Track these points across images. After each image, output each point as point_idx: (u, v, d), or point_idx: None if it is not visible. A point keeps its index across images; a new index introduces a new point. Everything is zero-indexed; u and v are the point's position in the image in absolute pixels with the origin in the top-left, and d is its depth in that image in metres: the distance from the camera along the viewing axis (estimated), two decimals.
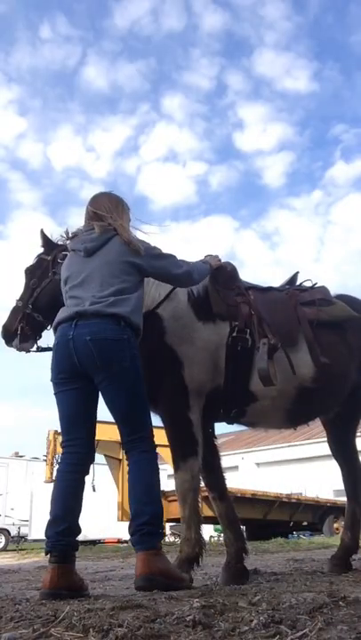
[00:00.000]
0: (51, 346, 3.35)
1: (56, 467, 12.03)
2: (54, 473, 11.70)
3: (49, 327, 3.38)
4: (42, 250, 3.48)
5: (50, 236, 3.49)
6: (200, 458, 3.06)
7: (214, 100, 58.81)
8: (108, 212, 2.98)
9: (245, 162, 58.87)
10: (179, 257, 3.11)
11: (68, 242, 3.15)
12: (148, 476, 2.73)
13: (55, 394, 2.82)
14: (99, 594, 2.89)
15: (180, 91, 57.87)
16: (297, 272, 3.76)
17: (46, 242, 3.48)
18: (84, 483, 2.82)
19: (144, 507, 2.64)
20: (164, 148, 58.62)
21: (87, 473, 2.83)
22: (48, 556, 2.68)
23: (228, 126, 58.61)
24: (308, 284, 3.69)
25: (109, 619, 1.74)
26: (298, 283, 3.73)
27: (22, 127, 56.20)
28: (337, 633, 1.56)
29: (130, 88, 56.95)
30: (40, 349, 3.43)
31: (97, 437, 11.04)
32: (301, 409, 3.42)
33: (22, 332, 3.33)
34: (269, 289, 3.53)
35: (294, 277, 3.75)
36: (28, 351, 3.41)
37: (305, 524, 14.40)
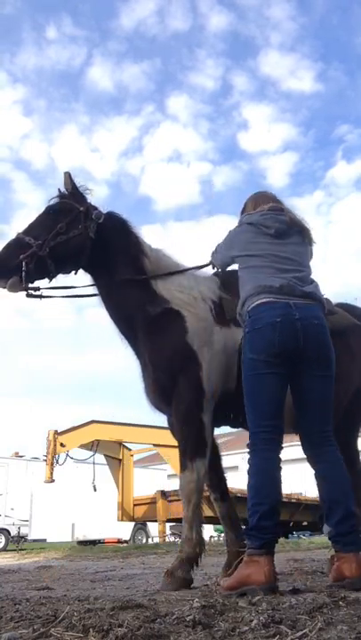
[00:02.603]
0: (38, 293, 3.22)
1: (56, 467, 11.86)
2: (54, 473, 11.50)
3: (51, 279, 3.23)
4: (66, 194, 3.28)
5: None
6: (208, 460, 3.08)
7: (219, 100, 58.93)
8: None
9: (250, 162, 58.94)
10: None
11: (246, 215, 2.98)
12: (347, 477, 2.69)
13: (262, 374, 2.64)
14: (99, 594, 2.89)
15: (185, 91, 58.00)
16: None
17: (76, 189, 3.31)
18: None
19: (354, 508, 2.60)
20: (168, 148, 58.67)
21: None
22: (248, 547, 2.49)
23: (232, 127, 58.70)
24: None
25: (109, 619, 1.74)
26: None
27: (27, 127, 56.22)
28: (337, 633, 1.56)
29: (135, 88, 57.06)
30: (30, 295, 3.21)
31: (97, 437, 11.07)
32: None
33: (26, 271, 3.04)
34: None
35: None
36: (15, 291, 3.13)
37: (305, 524, 14.36)
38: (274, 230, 2.85)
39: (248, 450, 2.68)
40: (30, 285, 3.18)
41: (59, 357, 54.23)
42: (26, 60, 55.27)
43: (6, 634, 1.66)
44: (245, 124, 59.18)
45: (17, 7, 56.20)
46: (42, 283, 3.27)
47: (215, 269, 3.38)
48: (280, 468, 2.64)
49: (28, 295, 3.21)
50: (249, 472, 2.64)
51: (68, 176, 3.29)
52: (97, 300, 3.39)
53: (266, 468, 2.61)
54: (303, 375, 2.67)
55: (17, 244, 3.11)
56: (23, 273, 3.05)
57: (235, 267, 3.29)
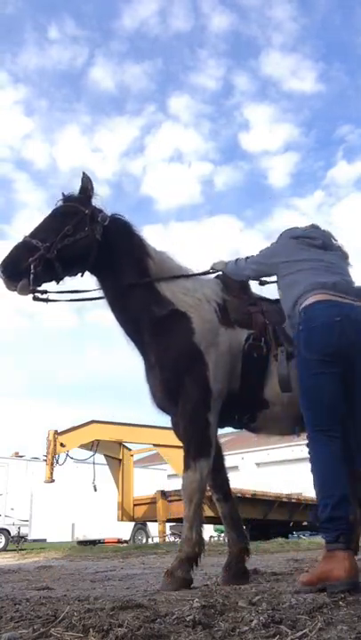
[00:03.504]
0: (44, 297, 3.23)
1: (56, 467, 11.85)
2: (54, 473, 11.51)
3: (58, 282, 3.25)
4: (72, 196, 3.31)
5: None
6: (211, 460, 3.09)
7: (221, 100, 58.98)
8: None
9: (251, 162, 58.97)
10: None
11: (287, 231, 3.16)
12: None
13: (317, 373, 2.63)
14: (99, 594, 2.89)
15: (187, 91, 58.09)
16: None
17: (87, 193, 3.32)
18: None
19: None
20: (169, 148, 58.68)
21: None
22: (331, 541, 2.39)
23: (234, 127, 58.74)
24: None
25: (109, 619, 1.74)
26: None
27: (28, 127, 56.29)
28: (337, 633, 1.56)
29: (136, 89, 57.16)
30: (36, 299, 3.21)
31: (97, 437, 11.08)
32: None
33: (34, 274, 3.05)
34: (279, 300, 3.58)
35: None
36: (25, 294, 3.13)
37: (305, 524, 14.40)
38: (321, 242, 3.02)
39: (308, 449, 2.65)
40: (38, 288, 3.20)
41: (59, 357, 54.28)
42: (27, 61, 55.43)
43: (6, 634, 1.66)
44: (247, 124, 59.35)
45: (19, 7, 56.47)
46: (48, 285, 3.28)
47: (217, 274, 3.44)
48: (342, 462, 2.59)
49: (35, 299, 3.23)
50: (312, 470, 2.59)
51: (88, 178, 3.33)
52: (102, 303, 3.41)
53: (327, 461, 2.56)
54: (355, 377, 2.66)
55: (25, 247, 3.13)
56: (31, 276, 3.06)
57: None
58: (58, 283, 3.28)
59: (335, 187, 58.51)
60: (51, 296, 3.30)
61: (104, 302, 3.39)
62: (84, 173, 3.34)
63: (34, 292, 3.17)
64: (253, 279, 3.34)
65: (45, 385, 57.56)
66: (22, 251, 3.12)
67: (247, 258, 3.26)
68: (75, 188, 3.36)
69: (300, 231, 3.10)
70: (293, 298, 2.83)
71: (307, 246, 3.00)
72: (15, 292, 3.13)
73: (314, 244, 3.00)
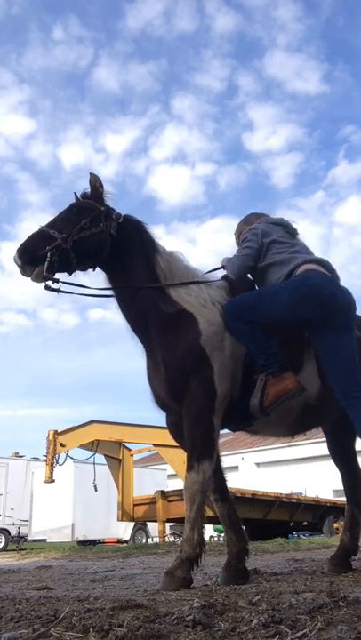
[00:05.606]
0: (56, 287, 3.23)
1: (56, 467, 11.84)
2: (54, 473, 11.55)
3: (70, 274, 3.29)
4: (87, 194, 3.38)
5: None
6: (214, 462, 3.09)
7: (225, 101, 58.71)
8: None
9: (254, 162, 58.82)
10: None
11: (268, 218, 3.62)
12: None
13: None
14: (99, 594, 2.89)
15: (191, 92, 57.81)
16: None
17: (99, 192, 3.39)
18: None
19: None
20: (173, 148, 58.59)
21: None
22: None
23: (237, 127, 58.54)
24: None
25: (109, 619, 1.74)
26: None
27: (32, 128, 56.25)
28: (337, 633, 1.56)
29: (141, 89, 57.05)
30: (48, 288, 3.23)
31: (97, 437, 11.06)
32: (303, 422, 3.51)
33: (50, 262, 3.11)
34: None
35: None
36: (43, 281, 3.16)
37: (305, 524, 14.39)
38: (294, 229, 3.53)
39: None
40: (51, 277, 3.20)
41: (60, 357, 54.26)
42: (32, 61, 55.33)
43: (6, 634, 1.66)
44: (251, 124, 59.09)
45: (24, 8, 56.35)
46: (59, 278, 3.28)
47: (226, 274, 3.49)
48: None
49: (47, 287, 3.24)
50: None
51: (97, 177, 3.39)
52: (106, 301, 3.42)
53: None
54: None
55: (41, 236, 3.18)
56: (46, 263, 3.10)
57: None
58: (70, 274, 3.31)
59: (336, 187, 58.48)
60: (62, 287, 3.29)
61: (112, 298, 3.40)
62: (91, 174, 3.40)
63: (46, 279, 3.18)
64: (253, 264, 3.38)
65: (45, 385, 57.57)
66: (39, 239, 3.17)
67: (237, 252, 3.42)
68: (78, 188, 3.42)
69: (277, 219, 3.56)
70: (290, 268, 3.21)
71: (285, 232, 3.46)
72: (29, 279, 3.16)
73: (289, 231, 3.48)
